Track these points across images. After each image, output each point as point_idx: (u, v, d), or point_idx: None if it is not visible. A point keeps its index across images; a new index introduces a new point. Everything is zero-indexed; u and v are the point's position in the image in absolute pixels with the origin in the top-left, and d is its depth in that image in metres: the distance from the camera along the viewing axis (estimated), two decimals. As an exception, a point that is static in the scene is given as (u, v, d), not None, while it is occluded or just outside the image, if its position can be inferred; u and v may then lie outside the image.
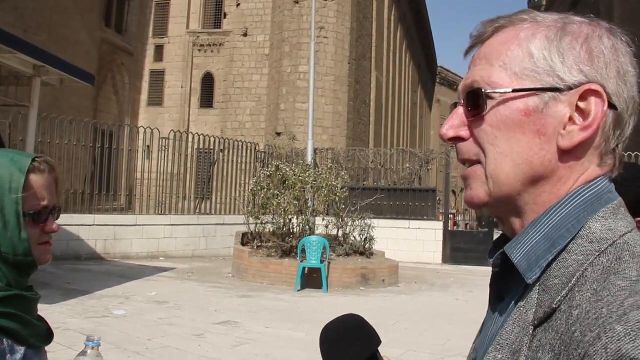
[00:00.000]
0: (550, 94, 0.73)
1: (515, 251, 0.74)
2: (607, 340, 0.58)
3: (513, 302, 0.74)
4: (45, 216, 1.30)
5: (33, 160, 1.29)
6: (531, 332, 0.68)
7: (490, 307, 0.83)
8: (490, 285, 0.82)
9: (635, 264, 0.65)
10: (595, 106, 0.72)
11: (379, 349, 0.96)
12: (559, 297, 0.67)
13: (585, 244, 0.69)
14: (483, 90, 0.76)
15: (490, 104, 0.76)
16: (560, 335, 0.64)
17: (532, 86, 0.74)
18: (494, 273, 0.81)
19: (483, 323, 0.86)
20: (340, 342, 0.89)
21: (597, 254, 0.67)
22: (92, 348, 1.27)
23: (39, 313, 1.34)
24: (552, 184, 0.74)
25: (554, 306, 0.67)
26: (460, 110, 0.80)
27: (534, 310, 0.69)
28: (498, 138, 0.75)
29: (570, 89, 0.73)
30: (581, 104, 0.73)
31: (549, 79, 0.74)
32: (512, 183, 0.75)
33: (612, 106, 0.73)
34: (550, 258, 0.70)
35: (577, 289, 0.66)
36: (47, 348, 1.36)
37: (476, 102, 0.77)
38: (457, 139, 0.80)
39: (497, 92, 0.75)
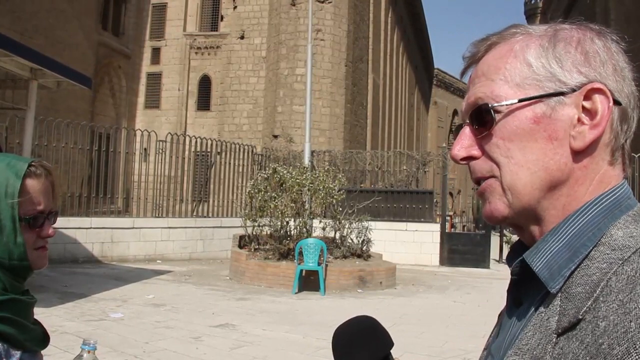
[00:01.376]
0: (555, 98, 0.74)
1: (536, 259, 0.74)
2: (636, 356, 0.58)
3: (533, 308, 0.75)
4: (42, 221, 1.30)
5: (29, 164, 1.28)
6: (554, 339, 0.68)
7: (507, 312, 0.83)
8: (508, 291, 0.82)
9: None
10: (601, 104, 0.73)
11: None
12: (585, 308, 0.66)
13: (608, 252, 0.69)
14: (490, 105, 0.77)
15: (497, 117, 0.76)
16: (585, 345, 0.64)
17: (537, 94, 0.75)
18: (512, 280, 0.81)
19: (500, 327, 0.86)
20: (353, 344, 0.90)
21: (620, 262, 0.67)
22: (89, 352, 1.27)
23: (35, 316, 1.34)
24: (570, 187, 0.75)
25: (579, 317, 0.66)
26: (467, 130, 0.81)
27: (556, 317, 0.69)
28: (511, 150, 0.76)
29: (573, 90, 0.74)
30: (586, 104, 0.74)
31: (552, 84, 0.75)
32: (531, 192, 0.75)
33: (616, 102, 0.74)
34: (573, 267, 0.71)
35: (601, 299, 0.65)
36: (44, 351, 1.36)
37: (483, 118, 0.78)
38: (469, 159, 0.80)
39: (503, 105, 0.76)
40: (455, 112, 66.70)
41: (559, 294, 0.71)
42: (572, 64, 0.75)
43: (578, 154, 0.74)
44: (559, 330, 0.68)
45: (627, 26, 22.69)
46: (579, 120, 0.74)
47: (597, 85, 0.73)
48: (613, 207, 0.73)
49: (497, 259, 18.26)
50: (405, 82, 47.66)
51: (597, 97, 0.73)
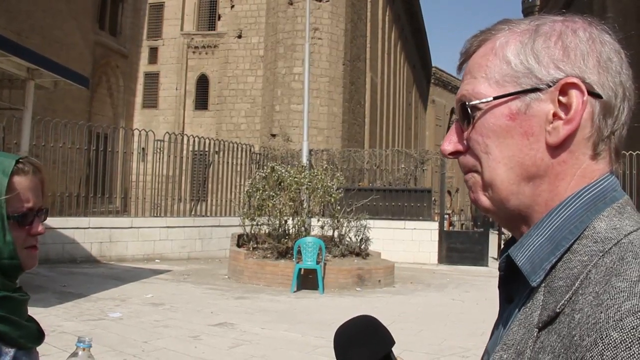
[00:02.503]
0: (531, 95, 0.75)
1: (519, 254, 0.75)
2: (603, 347, 0.58)
3: (521, 303, 0.75)
4: (31, 218, 1.29)
5: (17, 161, 1.27)
6: (535, 334, 0.69)
7: (500, 309, 0.84)
8: (499, 287, 0.83)
9: (638, 264, 0.64)
10: (575, 98, 0.73)
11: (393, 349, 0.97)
12: (563, 301, 0.67)
13: (590, 244, 0.69)
14: (469, 103, 0.79)
15: (477, 114, 0.78)
16: (561, 338, 0.64)
17: (513, 90, 0.76)
18: (500, 276, 0.81)
19: (494, 325, 0.87)
20: (353, 343, 0.90)
21: (600, 254, 0.68)
22: (84, 349, 1.26)
23: (34, 316, 1.33)
24: (550, 182, 0.75)
25: (557, 310, 0.67)
26: (456, 125, 0.83)
27: (538, 312, 0.70)
28: (489, 146, 0.77)
29: (549, 86, 0.74)
30: (563, 99, 0.73)
31: (528, 80, 0.75)
32: (508, 187, 0.76)
33: (596, 95, 0.73)
34: (554, 260, 0.71)
35: (580, 292, 0.66)
36: (43, 351, 1.35)
37: (466, 115, 0.79)
38: (457, 153, 0.82)
39: (483, 102, 0.77)
40: (453, 111, 66.73)
41: (542, 288, 0.71)
42: (549, 59, 0.75)
43: (555, 149, 0.74)
44: (540, 325, 0.69)
45: (625, 23, 22.71)
46: (555, 115, 0.74)
47: (571, 79, 0.73)
48: (596, 200, 0.73)
49: (496, 257, 18.27)
50: (403, 81, 47.67)
51: (572, 92, 0.73)
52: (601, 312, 0.61)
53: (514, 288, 0.79)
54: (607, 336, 0.58)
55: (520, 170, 0.75)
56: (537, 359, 0.67)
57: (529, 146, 0.75)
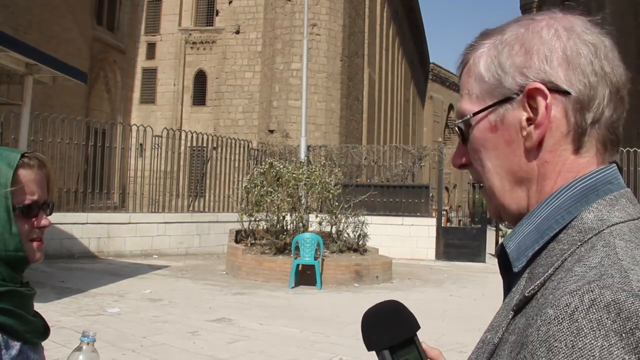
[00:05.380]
0: (505, 105, 0.78)
1: (510, 242, 0.78)
2: (540, 323, 0.62)
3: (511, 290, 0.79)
4: (36, 211, 1.30)
5: (22, 155, 1.29)
6: (511, 316, 0.72)
7: (503, 298, 0.86)
8: (502, 276, 0.85)
9: (603, 252, 0.66)
10: (539, 102, 0.74)
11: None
12: (533, 286, 0.70)
13: (573, 234, 0.71)
14: (459, 121, 0.83)
15: (467, 131, 0.82)
16: (527, 319, 0.67)
17: (489, 103, 0.79)
18: (498, 264, 0.85)
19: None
20: (378, 325, 0.94)
21: (579, 243, 0.70)
22: (88, 344, 1.28)
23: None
24: (539, 183, 0.77)
25: (527, 294, 0.70)
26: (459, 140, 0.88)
27: (517, 296, 0.73)
28: (482, 159, 0.81)
29: (518, 94, 0.76)
30: (533, 104, 0.75)
31: (499, 91, 0.78)
32: (503, 194, 0.80)
33: (563, 92, 0.74)
34: (537, 247, 0.74)
35: (552, 278, 0.69)
36: (42, 345, 1.36)
37: (460, 131, 0.84)
38: (465, 166, 0.86)
39: (468, 119, 0.81)
40: (451, 107, 66.73)
41: (526, 274, 0.75)
42: (514, 68, 0.77)
43: (534, 152, 0.76)
44: (514, 308, 0.72)
45: (622, 21, 22.72)
46: (529, 120, 0.76)
47: (533, 85, 0.74)
48: (587, 192, 0.74)
49: (493, 253, 18.29)
50: (401, 77, 47.64)
51: (538, 97, 0.74)
52: (550, 294, 0.65)
53: (513, 276, 0.80)
54: (544, 313, 0.62)
55: (511, 176, 0.79)
56: (507, 339, 0.70)
57: (513, 153, 0.78)
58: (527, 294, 0.70)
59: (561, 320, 0.60)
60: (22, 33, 17.93)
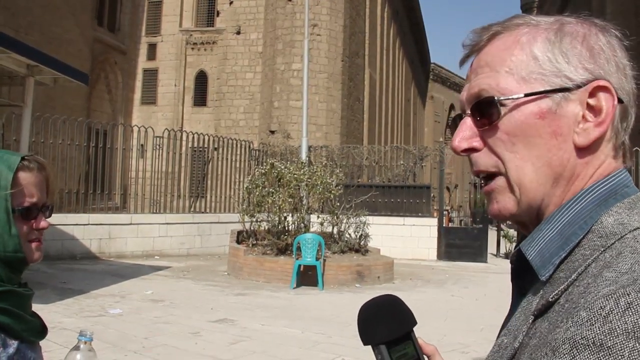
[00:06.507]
0: (560, 94, 0.74)
1: (530, 248, 0.75)
2: (571, 324, 0.61)
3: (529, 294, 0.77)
4: (35, 213, 1.32)
5: (22, 158, 1.31)
6: (531, 320, 0.71)
7: (512, 302, 0.84)
8: (512, 280, 0.83)
9: (633, 258, 0.65)
10: (605, 102, 0.73)
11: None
12: (557, 291, 0.68)
13: (595, 239, 0.70)
14: (495, 98, 0.76)
15: (503, 111, 0.76)
16: (550, 325, 0.67)
17: (542, 89, 0.74)
18: (512, 269, 0.82)
19: (506, 317, 0.87)
20: (375, 320, 0.93)
21: (602, 249, 0.68)
22: (85, 343, 1.28)
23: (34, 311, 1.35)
24: (570, 182, 0.75)
25: (550, 299, 0.69)
26: (469, 121, 0.80)
27: (537, 300, 0.72)
28: (516, 144, 0.75)
29: (578, 87, 0.74)
30: (591, 101, 0.74)
31: (557, 80, 0.74)
32: (536, 187, 0.75)
33: (619, 100, 0.74)
34: (563, 255, 0.72)
35: (576, 284, 0.67)
36: (43, 347, 1.37)
37: (487, 110, 0.77)
38: (471, 150, 0.79)
39: (510, 99, 0.75)
40: (452, 107, 66.73)
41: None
42: (578, 60, 0.74)
43: (581, 151, 0.74)
44: (535, 312, 0.71)
45: (623, 20, 22.70)
46: (583, 117, 0.74)
47: (602, 82, 0.73)
48: (607, 195, 0.73)
49: (495, 253, 18.30)
50: (402, 77, 47.65)
51: (602, 95, 0.73)
52: (581, 299, 0.63)
53: (527, 281, 0.79)
54: (576, 315, 0.61)
55: (548, 170, 0.75)
56: (527, 343, 0.69)
57: (557, 146, 0.74)
58: (550, 299, 0.69)
59: (594, 322, 0.59)
60: (23, 34, 17.94)
